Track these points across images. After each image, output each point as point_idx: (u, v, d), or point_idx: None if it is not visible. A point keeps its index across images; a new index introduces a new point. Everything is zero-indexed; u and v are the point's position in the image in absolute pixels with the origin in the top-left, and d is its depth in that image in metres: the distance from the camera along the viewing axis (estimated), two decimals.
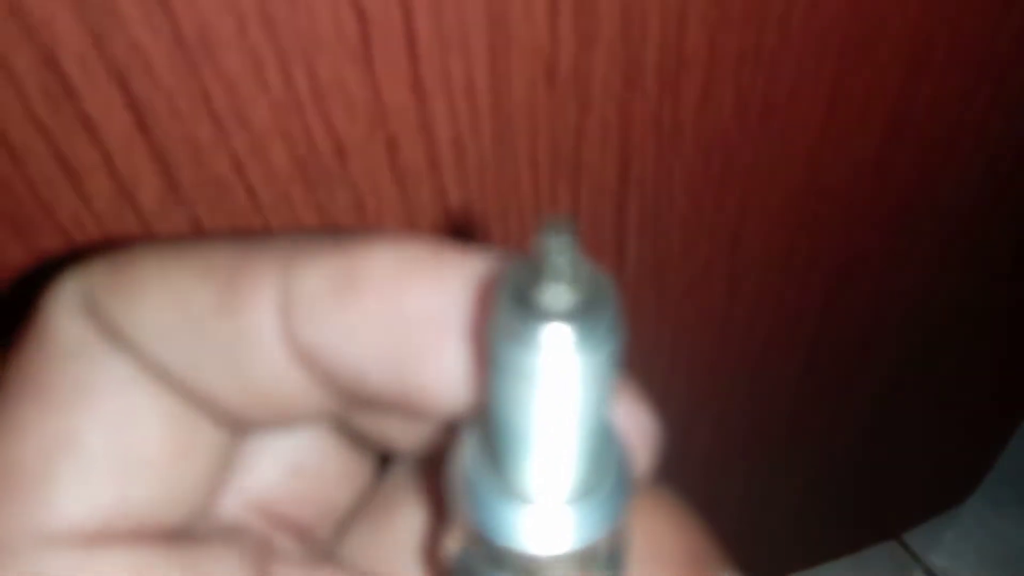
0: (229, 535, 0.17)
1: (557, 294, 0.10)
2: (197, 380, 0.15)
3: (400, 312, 0.14)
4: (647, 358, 0.38)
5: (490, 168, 0.28)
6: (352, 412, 0.16)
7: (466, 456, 0.13)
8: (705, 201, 0.32)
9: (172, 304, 0.15)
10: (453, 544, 0.14)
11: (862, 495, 0.61)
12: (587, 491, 0.12)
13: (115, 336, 0.15)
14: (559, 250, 0.10)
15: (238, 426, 0.17)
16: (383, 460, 0.19)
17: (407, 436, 0.16)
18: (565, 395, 0.11)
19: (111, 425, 0.15)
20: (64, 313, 0.15)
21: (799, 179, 0.32)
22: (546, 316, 0.10)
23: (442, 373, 0.14)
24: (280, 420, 0.16)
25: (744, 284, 0.36)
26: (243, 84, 0.23)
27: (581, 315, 0.10)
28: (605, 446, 0.13)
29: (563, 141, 0.28)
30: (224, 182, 0.25)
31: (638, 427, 0.14)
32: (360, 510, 0.18)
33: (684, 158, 0.30)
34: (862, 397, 0.49)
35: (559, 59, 0.26)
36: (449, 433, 0.15)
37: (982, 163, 0.35)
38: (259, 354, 0.15)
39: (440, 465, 0.15)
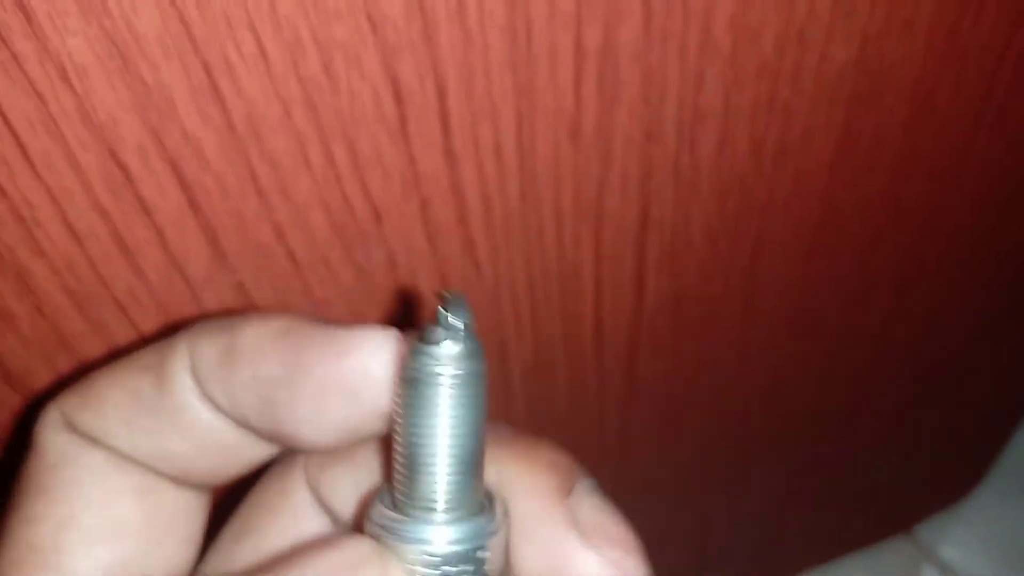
0: None
1: (449, 345, 0.16)
2: (157, 452, 0.20)
3: (261, 378, 0.18)
4: (666, 382, 0.39)
5: (516, 220, 0.29)
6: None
7: (377, 503, 0.18)
8: (721, 239, 0.33)
9: (126, 399, 0.20)
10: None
11: (875, 492, 0.62)
12: (470, 506, 0.17)
13: (90, 441, 0.20)
14: (456, 315, 0.16)
15: (202, 483, 0.21)
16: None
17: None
18: (450, 410, 0.16)
19: (98, 505, 0.20)
20: (51, 433, 0.20)
21: (812, 215, 0.33)
22: (443, 359, 0.16)
23: (299, 423, 0.18)
24: (234, 467, 0.21)
25: (760, 313, 0.37)
26: (287, 162, 0.24)
27: (463, 359, 0.16)
28: (479, 474, 0.17)
29: (586, 191, 0.30)
30: (267, 249, 0.26)
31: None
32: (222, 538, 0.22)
33: (701, 201, 0.31)
34: (874, 403, 0.50)
35: (583, 120, 0.27)
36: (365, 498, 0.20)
37: (984, 192, 0.36)
38: (192, 415, 0.20)
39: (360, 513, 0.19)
